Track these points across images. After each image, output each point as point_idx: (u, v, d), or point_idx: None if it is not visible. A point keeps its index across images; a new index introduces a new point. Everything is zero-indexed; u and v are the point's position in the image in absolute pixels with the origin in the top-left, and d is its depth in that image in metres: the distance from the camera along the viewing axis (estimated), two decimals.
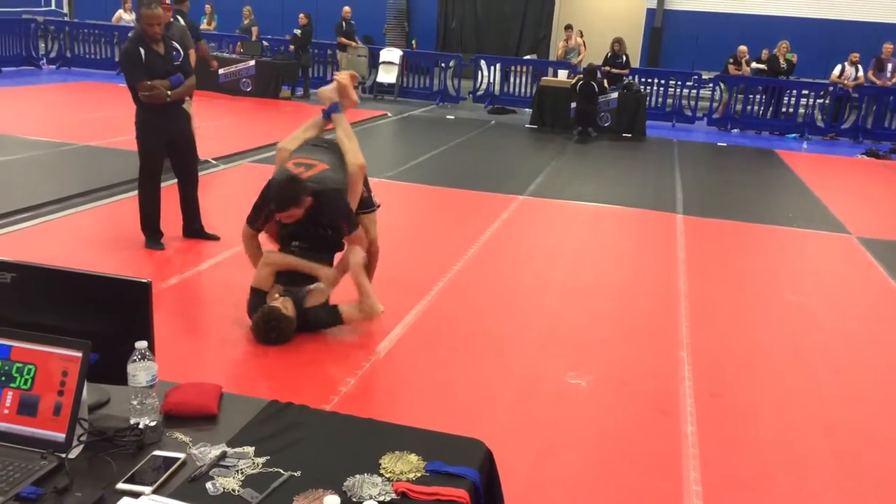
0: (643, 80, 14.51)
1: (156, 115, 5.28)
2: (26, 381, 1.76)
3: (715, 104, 14.88)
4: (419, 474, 1.78)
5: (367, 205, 4.59)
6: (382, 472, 1.78)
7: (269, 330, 3.97)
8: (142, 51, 5.11)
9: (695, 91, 14.56)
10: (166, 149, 5.47)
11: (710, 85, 15.01)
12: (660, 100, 14.58)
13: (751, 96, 14.22)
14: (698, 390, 3.90)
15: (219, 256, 5.44)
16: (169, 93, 5.20)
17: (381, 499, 1.67)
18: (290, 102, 13.92)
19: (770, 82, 14.12)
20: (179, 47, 5.38)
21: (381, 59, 15.27)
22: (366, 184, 4.55)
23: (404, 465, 1.81)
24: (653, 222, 7.26)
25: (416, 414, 3.47)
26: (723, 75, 14.52)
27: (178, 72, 5.27)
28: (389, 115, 13.27)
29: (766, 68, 14.57)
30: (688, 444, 3.40)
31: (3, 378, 1.77)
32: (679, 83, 14.60)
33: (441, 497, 1.70)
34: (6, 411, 1.75)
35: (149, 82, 5.13)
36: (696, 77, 14.54)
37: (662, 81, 14.69)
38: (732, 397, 3.90)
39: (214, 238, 5.71)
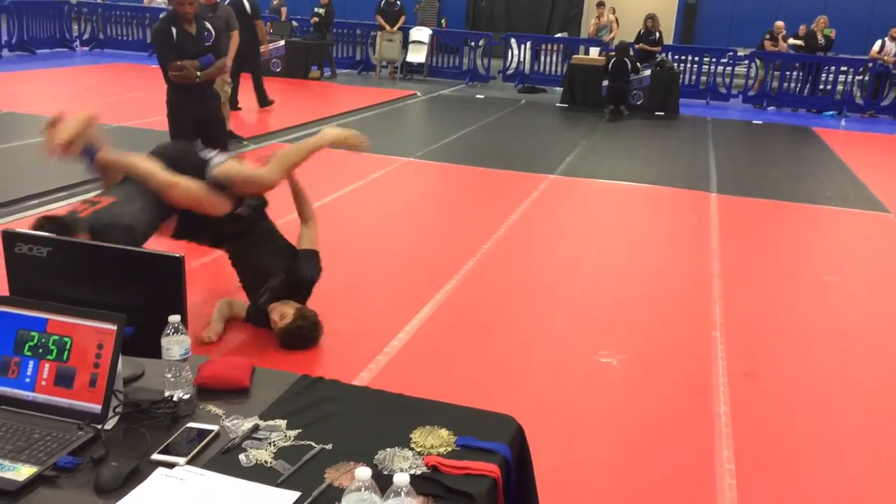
0: (677, 57, 14.27)
1: (185, 95, 5.33)
2: (63, 353, 1.79)
3: (750, 81, 14.58)
4: (450, 448, 1.78)
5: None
6: (413, 445, 1.78)
7: (306, 340, 3.76)
8: (173, 31, 5.15)
9: (730, 68, 14.29)
10: (195, 128, 5.49)
11: (746, 62, 14.70)
12: (693, 77, 14.33)
13: (787, 73, 13.92)
14: (732, 370, 3.86)
15: None
16: (199, 73, 5.24)
17: (412, 472, 1.67)
18: (319, 82, 13.93)
19: (807, 58, 13.80)
20: (211, 28, 5.42)
21: (411, 39, 15.20)
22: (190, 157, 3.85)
23: (435, 439, 1.81)
24: (686, 201, 7.16)
25: (445, 391, 3.46)
26: (759, 52, 14.22)
27: (208, 53, 5.31)
28: (419, 94, 13.23)
29: (803, 44, 14.24)
30: (720, 424, 3.36)
31: (41, 350, 1.79)
32: (713, 60, 14.34)
33: (472, 471, 1.70)
34: (43, 383, 1.78)
35: (179, 62, 5.16)
36: (731, 54, 14.26)
37: (696, 58, 14.43)
38: (767, 377, 3.85)
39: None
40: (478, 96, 13.49)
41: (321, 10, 14.43)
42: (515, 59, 15.08)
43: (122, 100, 10.83)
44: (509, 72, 15.08)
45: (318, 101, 11.81)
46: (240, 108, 10.00)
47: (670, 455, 3.14)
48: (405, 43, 15.27)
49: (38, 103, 9.92)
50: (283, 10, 15.61)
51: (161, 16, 5.45)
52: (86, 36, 16.61)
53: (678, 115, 12.49)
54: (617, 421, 3.38)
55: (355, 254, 5.33)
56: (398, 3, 14.84)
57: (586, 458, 3.09)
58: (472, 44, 15.66)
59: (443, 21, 19.63)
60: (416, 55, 15.19)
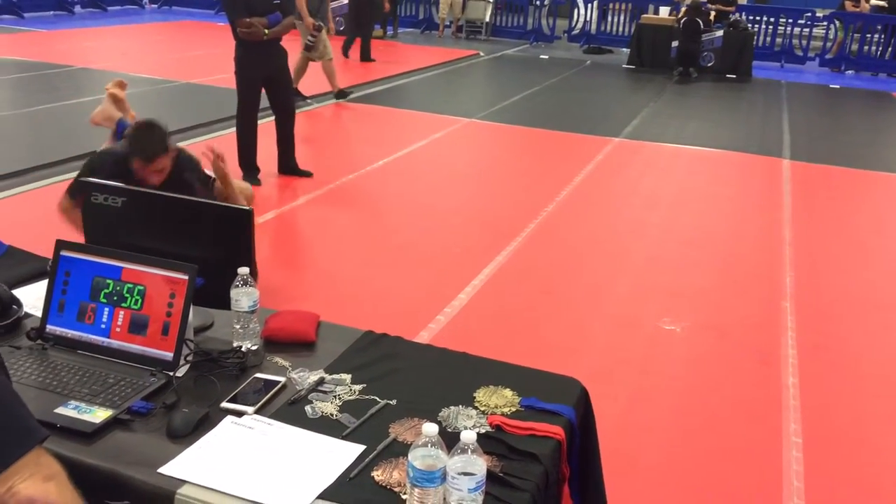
0: (751, 17, 13.72)
1: (253, 51, 5.35)
2: (136, 301, 1.82)
3: (829, 43, 13.93)
4: (514, 409, 1.76)
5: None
6: (477, 405, 1.77)
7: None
8: None
9: (807, 29, 13.69)
10: (263, 85, 5.54)
11: (825, 23, 14.04)
12: (768, 38, 13.78)
13: (868, 35, 13.26)
14: (801, 341, 3.74)
15: (314, 192, 5.52)
16: (266, 31, 5.24)
17: (477, 431, 1.66)
18: (382, 41, 13.86)
19: (890, 20, 13.10)
20: None
21: None
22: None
23: (499, 399, 1.79)
24: (757, 167, 6.93)
25: (506, 352, 3.45)
26: (839, 12, 13.56)
27: (277, 10, 5.30)
28: (482, 54, 13.05)
29: (886, 5, 13.52)
30: (789, 396, 3.27)
31: (115, 298, 1.83)
32: (790, 21, 13.74)
33: (536, 432, 1.68)
34: (118, 329, 1.82)
35: (247, 19, 5.19)
36: (809, 14, 13.64)
37: (772, 19, 13.85)
38: (838, 350, 3.72)
39: (307, 174, 5.80)
40: (542, 57, 13.24)
41: None
42: (581, 18, 14.73)
43: (189, 56, 10.98)
44: (575, 32, 14.75)
45: (381, 60, 11.75)
46: (373, 60, 11.33)
47: (735, 425, 3.07)
48: (464, 2, 15.05)
49: (110, 59, 10.14)
50: None
51: None
52: None
53: (751, 77, 12.04)
54: (680, 388, 3.32)
55: (417, 213, 5.33)
56: None
57: (648, 423, 3.05)
58: (538, 3, 15.33)
59: None
60: (477, 13, 14.95)
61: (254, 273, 1.91)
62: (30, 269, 2.26)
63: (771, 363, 3.55)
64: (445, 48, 13.28)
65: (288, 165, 5.85)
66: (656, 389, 3.30)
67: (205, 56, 11.01)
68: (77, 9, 14.76)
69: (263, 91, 5.61)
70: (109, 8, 15.43)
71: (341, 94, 8.60)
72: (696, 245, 4.99)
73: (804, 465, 2.82)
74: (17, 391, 1.18)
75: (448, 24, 15.12)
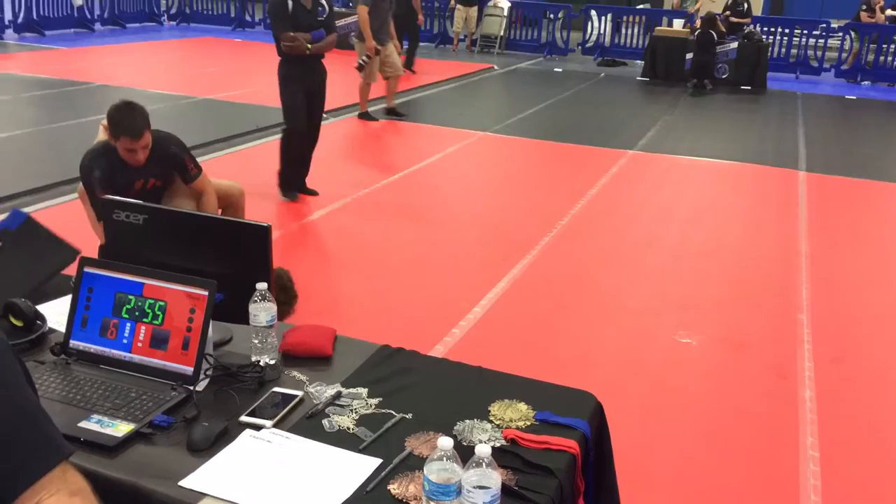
0: (765, 28, 13.71)
1: (296, 66, 5.38)
2: (157, 316, 1.86)
3: (844, 54, 13.88)
4: (529, 423, 1.78)
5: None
6: (492, 418, 1.79)
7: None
8: (289, 3, 5.22)
9: (822, 40, 13.65)
10: (306, 100, 5.52)
11: (840, 34, 14.00)
12: (783, 50, 13.76)
13: (884, 46, 13.19)
14: (818, 355, 3.73)
15: (329, 206, 5.57)
16: (309, 46, 5.25)
17: (492, 444, 1.67)
18: (401, 57, 13.94)
19: None
20: (325, 3, 5.41)
21: (486, 12, 15.03)
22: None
23: (514, 412, 1.81)
24: (773, 179, 6.92)
25: (521, 365, 3.46)
26: (854, 23, 13.52)
27: (321, 27, 5.33)
28: (496, 68, 13.12)
29: None
30: (805, 410, 3.26)
31: (137, 313, 1.87)
32: (805, 32, 13.72)
33: (551, 446, 1.70)
34: (140, 344, 1.86)
35: (291, 34, 5.21)
36: (823, 25, 13.61)
37: (786, 30, 13.83)
38: (856, 363, 3.71)
39: (313, 193, 5.76)
40: (556, 70, 13.29)
41: None
42: (595, 31, 14.76)
43: (206, 72, 11.11)
44: (589, 44, 14.79)
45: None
46: (414, 72, 11.74)
47: (751, 439, 3.07)
48: (479, 16, 15.12)
49: (129, 76, 10.28)
50: None
51: None
52: (173, 10, 17.08)
53: (766, 89, 12.02)
54: (696, 402, 3.32)
55: (432, 226, 5.36)
56: None
57: (664, 437, 3.05)
58: (551, 16, 15.39)
59: None
60: (492, 28, 15.01)
61: (271, 288, 1.93)
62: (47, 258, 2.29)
63: (787, 376, 3.54)
64: (460, 62, 13.36)
65: (302, 183, 5.84)
66: (671, 403, 3.30)
67: (222, 72, 11.14)
68: (97, 26, 14.98)
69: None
70: (129, 25, 15.65)
71: (393, 114, 8.60)
72: (712, 257, 4.99)
73: (821, 479, 2.81)
74: (43, 406, 1.21)
75: (462, 38, 15.20)
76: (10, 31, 13.30)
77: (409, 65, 11.84)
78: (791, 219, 5.80)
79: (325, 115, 8.40)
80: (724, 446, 3.02)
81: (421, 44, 14.91)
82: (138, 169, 3.50)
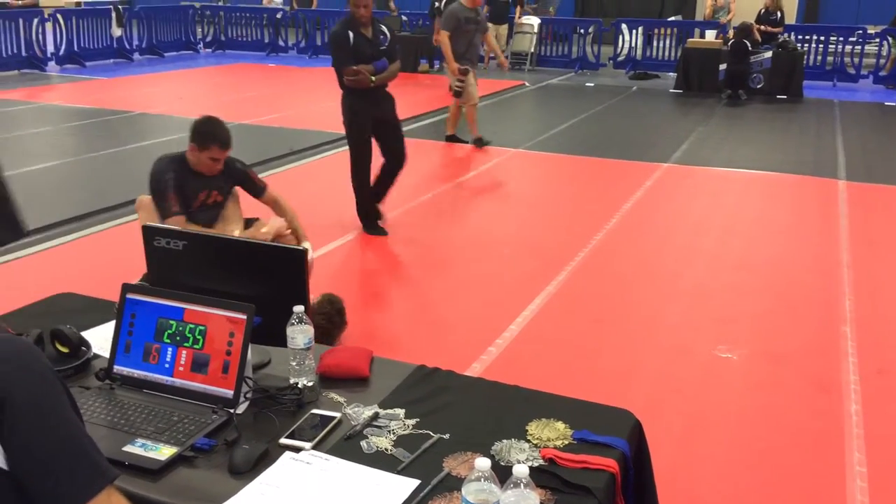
0: (800, 36, 13.54)
1: (361, 98, 5.21)
2: (198, 340, 1.89)
3: (882, 60, 13.63)
4: (567, 442, 1.77)
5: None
6: (529, 438, 1.79)
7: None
8: (350, 34, 5.05)
9: (859, 47, 13.42)
10: (374, 131, 5.35)
11: (877, 40, 13.76)
12: (819, 58, 13.56)
13: None
14: (863, 367, 3.64)
15: (355, 231, 5.59)
16: (373, 78, 5.09)
17: (529, 464, 1.67)
18: (428, 76, 14.08)
19: None
20: (387, 31, 5.26)
21: (516, 30, 15.08)
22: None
23: (551, 432, 1.80)
24: (812, 189, 6.81)
25: (559, 383, 3.45)
26: (891, 28, 13.27)
27: (383, 56, 5.18)
28: (527, 84, 13.14)
29: None
30: (851, 424, 3.19)
31: (178, 338, 1.91)
32: (841, 39, 13.51)
33: (590, 465, 1.69)
34: (181, 368, 1.89)
35: (354, 68, 5.04)
36: (860, 32, 13.38)
37: (822, 38, 13.64)
38: None
39: (381, 233, 5.49)
40: (587, 84, 13.27)
41: (439, 4, 14.49)
42: (626, 44, 14.72)
43: (242, 98, 11.32)
44: (620, 58, 14.75)
45: (428, 93, 11.94)
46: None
47: (796, 455, 3.01)
48: (509, 33, 15.19)
49: (167, 104, 10.52)
50: (392, 3, 15.86)
51: (341, 19, 5.29)
52: (208, 38, 17.44)
53: (802, 98, 11.85)
54: (738, 418, 3.27)
55: (467, 244, 5.37)
56: None
57: (706, 455, 3.00)
58: (582, 31, 15.39)
59: (551, 8, 19.43)
60: (523, 45, 15.06)
61: (307, 311, 1.96)
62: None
63: (831, 390, 3.46)
64: (491, 79, 13.41)
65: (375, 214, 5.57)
66: (712, 419, 3.25)
67: (257, 97, 11.34)
68: (136, 56, 15.36)
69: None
70: (166, 54, 16.01)
71: (479, 142, 8.29)
72: (750, 270, 4.92)
73: (869, 495, 2.74)
74: (88, 431, 1.24)
75: (493, 55, 15.25)
76: (52, 63, 13.70)
77: None
78: (832, 229, 5.70)
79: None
80: (768, 463, 2.96)
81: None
82: (205, 180, 3.71)
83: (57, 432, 1.17)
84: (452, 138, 8.41)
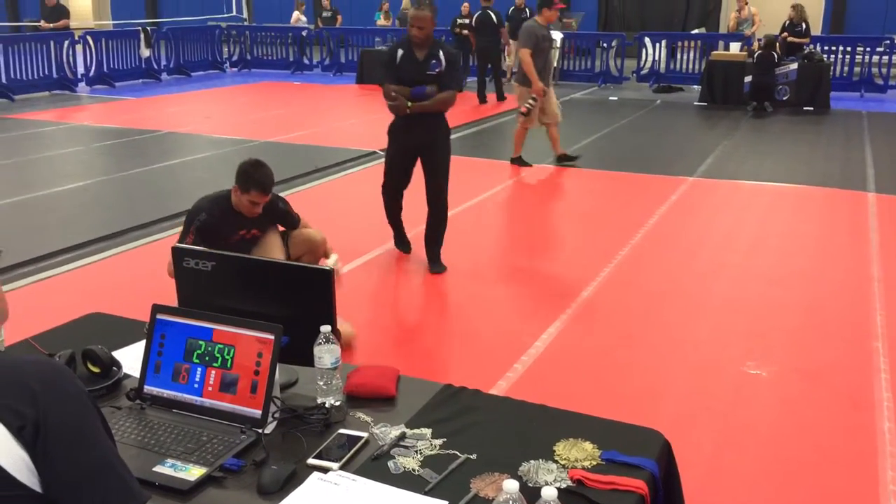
0: (826, 47, 13.42)
1: (401, 121, 4.88)
2: (226, 361, 1.91)
3: None
4: (595, 462, 1.76)
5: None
6: (557, 458, 1.77)
7: None
8: (399, 52, 4.74)
9: (886, 57, 13.27)
10: (412, 154, 4.99)
11: None
12: (846, 69, 13.43)
13: None
14: None
15: (385, 244, 5.61)
16: (409, 105, 4.70)
17: (557, 486, 1.66)
18: None
19: None
20: (443, 57, 4.73)
21: None
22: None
23: (579, 452, 1.79)
24: (840, 202, 6.72)
25: (586, 401, 3.43)
26: None
27: (430, 82, 4.71)
28: None
29: None
30: (885, 442, 3.13)
31: (207, 358, 1.93)
32: (868, 49, 13.37)
33: (619, 486, 1.67)
34: (210, 388, 1.91)
35: (392, 90, 4.71)
36: (888, 42, 13.25)
37: (848, 48, 13.51)
38: None
39: (437, 270, 5.07)
40: (611, 98, 13.25)
41: (466, 21, 14.54)
42: (650, 57, 14.69)
43: (267, 116, 11.44)
44: (643, 72, 14.71)
45: (451, 109, 11.98)
46: (485, 102, 12.55)
47: (828, 474, 2.95)
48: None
49: (194, 122, 10.66)
50: (566, 18, 15.94)
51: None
52: (234, 57, 17.69)
53: (829, 109, 11.74)
54: (769, 436, 3.22)
55: (492, 260, 5.37)
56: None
57: (736, 474, 2.96)
58: (605, 45, 15.39)
59: (574, 23, 19.46)
60: None
61: (335, 331, 1.97)
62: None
63: (864, 407, 3.41)
64: (514, 94, 13.42)
65: (431, 254, 5.12)
66: (743, 437, 3.21)
67: (282, 115, 11.46)
68: (164, 76, 15.61)
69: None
70: (193, 73, 16.25)
71: (565, 158, 8.11)
72: (779, 285, 4.86)
73: None
74: (119, 451, 1.26)
75: (515, 70, 15.28)
76: (82, 84, 13.96)
77: (499, 94, 12.82)
78: (861, 242, 5.62)
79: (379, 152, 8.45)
80: (800, 482, 2.91)
81: (474, 78, 15.11)
82: (246, 220, 3.79)
83: (91, 456, 1.18)
84: (518, 161, 8.07)
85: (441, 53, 4.72)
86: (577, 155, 8.20)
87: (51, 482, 1.15)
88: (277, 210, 3.95)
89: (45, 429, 1.14)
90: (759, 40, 12.18)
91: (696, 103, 12.51)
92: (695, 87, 13.45)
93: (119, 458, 1.23)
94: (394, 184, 5.12)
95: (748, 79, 11.78)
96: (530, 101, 7.55)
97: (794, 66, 11.95)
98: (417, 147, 4.92)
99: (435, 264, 5.06)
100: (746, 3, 14.34)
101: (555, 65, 9.43)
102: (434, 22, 4.65)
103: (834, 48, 13.59)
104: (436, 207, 5.02)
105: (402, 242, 5.42)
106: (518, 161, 8.09)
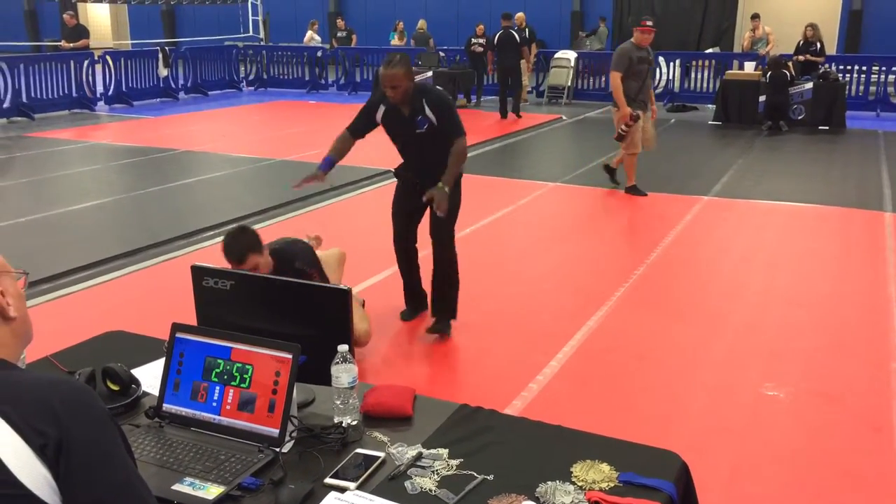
0: (841, 67, 13.40)
1: (402, 165, 4.41)
2: (244, 379, 1.92)
3: None
4: (612, 484, 1.75)
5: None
6: (574, 479, 1.77)
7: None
8: (382, 108, 4.16)
9: None
10: (409, 216, 4.42)
11: None
12: (861, 88, 13.39)
13: None
14: None
15: (392, 268, 5.62)
16: (438, 186, 4.00)
17: None
18: (465, 110, 14.20)
19: None
20: (432, 113, 4.06)
21: (553, 65, 15.18)
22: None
23: (596, 473, 1.79)
24: (857, 222, 6.68)
25: (601, 422, 3.41)
26: None
27: (418, 141, 4.14)
28: (564, 118, 13.18)
29: None
30: None
31: (226, 377, 1.94)
32: (883, 69, 13.33)
33: None
34: (228, 407, 1.92)
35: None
36: None
37: (864, 68, 13.49)
38: None
39: (440, 331, 4.39)
40: None
41: (480, 40, 14.64)
42: (664, 76, 14.71)
43: (283, 135, 11.53)
44: (657, 90, 14.69)
45: (465, 128, 12.04)
46: (506, 117, 12.83)
47: (848, 497, 2.92)
48: (546, 67, 15.30)
49: (211, 141, 10.76)
50: (431, 41, 16.10)
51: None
52: (251, 76, 17.86)
53: (845, 129, 11.69)
54: (787, 458, 3.19)
55: (505, 279, 5.37)
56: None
57: (753, 497, 2.93)
58: None
59: (587, 42, 19.55)
60: (559, 78, 15.14)
61: (351, 350, 1.98)
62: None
63: (884, 430, 3.37)
64: (528, 114, 13.48)
65: (434, 309, 4.45)
66: (761, 460, 3.18)
67: (298, 133, 11.55)
68: (181, 95, 15.78)
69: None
70: (210, 92, 16.42)
71: (632, 190, 7.62)
72: (796, 305, 4.83)
73: None
74: (139, 469, 1.27)
75: (530, 90, 15.36)
76: (101, 103, 14.14)
77: (516, 111, 12.95)
78: (879, 262, 5.58)
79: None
80: None
81: (490, 97, 15.21)
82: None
83: (112, 476, 1.19)
84: (633, 189, 7.63)
85: (427, 107, 4.05)
86: (645, 193, 7.65)
87: (72, 501, 1.16)
88: (294, 270, 3.53)
89: (67, 447, 1.15)
90: (762, 63, 12.18)
91: (710, 122, 12.50)
92: (709, 105, 13.45)
93: (140, 477, 1.24)
94: (399, 231, 4.45)
95: (763, 98, 11.76)
96: (623, 127, 7.29)
97: (809, 85, 11.94)
98: (418, 205, 4.25)
99: (434, 323, 4.37)
100: (761, 23, 14.36)
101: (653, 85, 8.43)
102: (409, 76, 4.00)
103: (849, 67, 13.56)
104: (438, 253, 4.34)
105: (409, 300, 4.66)
106: (632, 190, 7.63)
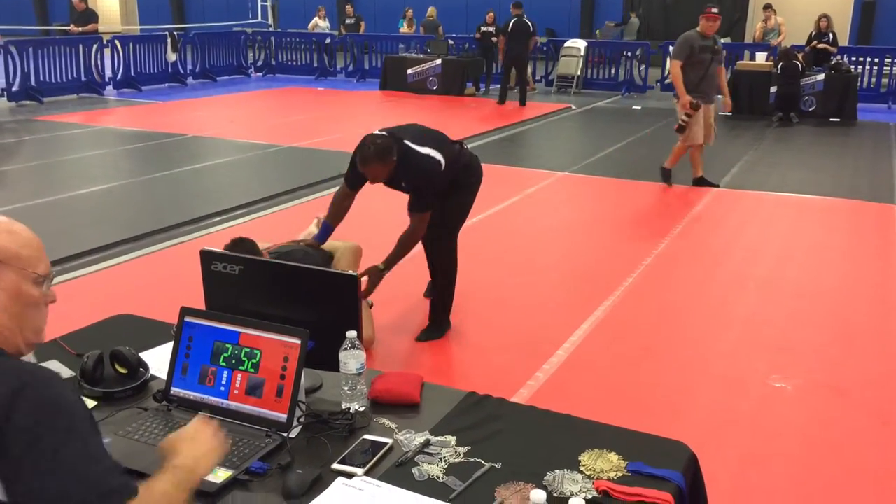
0: (853, 58, 13.29)
1: None
2: (253, 364, 1.92)
3: None
4: (620, 474, 1.74)
5: None
6: (582, 469, 1.76)
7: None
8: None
9: None
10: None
11: None
12: (873, 80, 13.29)
13: None
14: None
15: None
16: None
17: (583, 496, 1.65)
18: (473, 98, 14.16)
19: None
20: (407, 182, 3.86)
21: (562, 54, 15.11)
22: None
23: (605, 463, 1.78)
24: (868, 214, 6.64)
25: (608, 412, 3.40)
26: None
27: (412, 201, 3.90)
28: (573, 107, 13.12)
29: None
30: None
31: (234, 361, 1.94)
32: (895, 61, 13.24)
33: (645, 499, 1.66)
34: (236, 391, 1.92)
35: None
36: None
37: (876, 59, 13.38)
38: None
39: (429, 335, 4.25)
40: (634, 107, 13.19)
41: (490, 28, 14.60)
42: None
43: (291, 121, 11.52)
44: (668, 81, 14.62)
45: (472, 114, 12.00)
46: (504, 104, 12.97)
47: (857, 490, 2.91)
48: (556, 56, 15.23)
49: (219, 127, 10.75)
50: (440, 28, 16.02)
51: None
52: (259, 62, 17.83)
53: (856, 120, 11.61)
54: (795, 450, 3.18)
55: (513, 269, 5.35)
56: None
57: (761, 488, 2.92)
58: (629, 54, 15.34)
59: (598, 32, 19.44)
60: (568, 68, 15.07)
61: (360, 336, 1.97)
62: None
63: (892, 423, 3.35)
64: (537, 103, 13.43)
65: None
66: (769, 452, 3.17)
67: (306, 120, 11.53)
68: (189, 80, 15.76)
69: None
70: (219, 78, 16.40)
71: (701, 182, 7.47)
72: (805, 298, 4.80)
73: None
74: (144, 453, 1.27)
75: (538, 79, 15.30)
76: (109, 88, 14.14)
77: (522, 101, 12.96)
78: (889, 255, 5.54)
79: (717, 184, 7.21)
80: (828, 499, 2.87)
81: (498, 85, 15.14)
82: None
83: (52, 459, 1.20)
84: (700, 181, 7.46)
85: (403, 182, 3.86)
86: (717, 183, 7.53)
87: (13, 488, 1.18)
88: None
89: (4, 434, 1.18)
90: (775, 56, 12.08)
91: (720, 113, 12.41)
92: (719, 96, 13.34)
93: (97, 460, 1.24)
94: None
95: (774, 89, 11.68)
96: (683, 117, 7.10)
97: (821, 76, 11.85)
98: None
99: (423, 330, 4.22)
100: (773, 13, 14.24)
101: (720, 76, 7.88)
102: (386, 166, 3.68)
103: (861, 59, 13.45)
104: (434, 275, 4.31)
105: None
106: (700, 181, 7.47)
